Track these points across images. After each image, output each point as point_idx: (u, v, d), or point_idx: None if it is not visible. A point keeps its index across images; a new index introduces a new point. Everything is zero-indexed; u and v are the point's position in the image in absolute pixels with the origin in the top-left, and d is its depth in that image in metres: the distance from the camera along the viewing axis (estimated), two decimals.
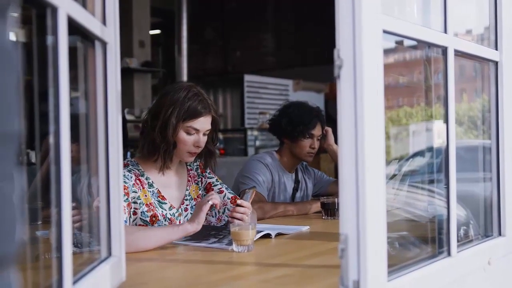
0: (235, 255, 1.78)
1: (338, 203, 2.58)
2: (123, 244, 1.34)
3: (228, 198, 2.27)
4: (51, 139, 0.95)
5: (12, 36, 0.57)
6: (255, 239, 1.86)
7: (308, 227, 2.30)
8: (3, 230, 0.52)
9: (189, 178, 2.27)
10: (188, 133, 2.09)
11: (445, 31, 1.45)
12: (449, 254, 1.45)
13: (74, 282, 1.02)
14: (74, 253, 1.00)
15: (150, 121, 2.11)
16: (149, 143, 2.11)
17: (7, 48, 0.55)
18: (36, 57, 1.04)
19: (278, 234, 2.11)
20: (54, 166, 0.95)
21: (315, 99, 5.95)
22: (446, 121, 1.46)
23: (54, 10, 0.94)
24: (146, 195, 2.09)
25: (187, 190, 2.24)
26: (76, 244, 1.26)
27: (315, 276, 1.53)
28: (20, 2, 0.61)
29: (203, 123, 2.10)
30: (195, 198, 2.26)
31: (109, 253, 1.31)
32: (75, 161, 1.13)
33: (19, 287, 0.59)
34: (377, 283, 1.13)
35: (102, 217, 1.30)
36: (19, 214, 0.55)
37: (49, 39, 0.96)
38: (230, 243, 1.85)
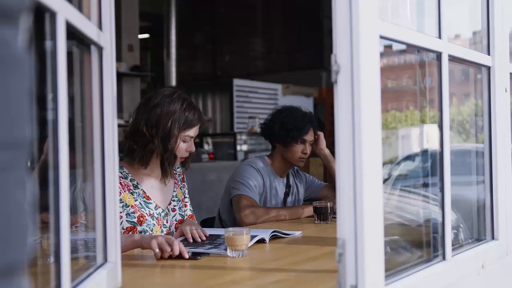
0: (230, 260, 1.77)
1: (330, 208, 2.58)
2: (119, 250, 1.34)
3: (186, 215, 2.35)
4: (50, 144, 0.94)
5: (24, 43, 0.56)
6: (250, 245, 1.85)
7: (300, 232, 2.30)
8: (15, 237, 0.52)
9: (175, 181, 2.35)
10: (184, 141, 2.20)
11: (439, 37, 1.46)
12: (444, 258, 1.45)
13: None
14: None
15: (147, 132, 2.12)
16: (148, 153, 2.14)
17: (19, 55, 0.55)
18: (32, 61, 1.03)
19: (273, 237, 2.11)
20: (52, 171, 0.94)
21: (304, 103, 5.94)
22: (441, 125, 1.47)
23: (53, 15, 0.93)
24: (129, 197, 2.13)
25: (174, 191, 2.32)
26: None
27: (311, 281, 1.53)
28: (30, 10, 0.60)
29: (197, 130, 2.24)
30: (181, 200, 2.34)
31: (105, 259, 1.30)
32: (70, 166, 1.12)
33: None
34: (375, 287, 1.13)
35: (98, 223, 1.29)
36: (31, 221, 0.55)
37: (47, 44, 0.95)
38: (226, 249, 1.84)
